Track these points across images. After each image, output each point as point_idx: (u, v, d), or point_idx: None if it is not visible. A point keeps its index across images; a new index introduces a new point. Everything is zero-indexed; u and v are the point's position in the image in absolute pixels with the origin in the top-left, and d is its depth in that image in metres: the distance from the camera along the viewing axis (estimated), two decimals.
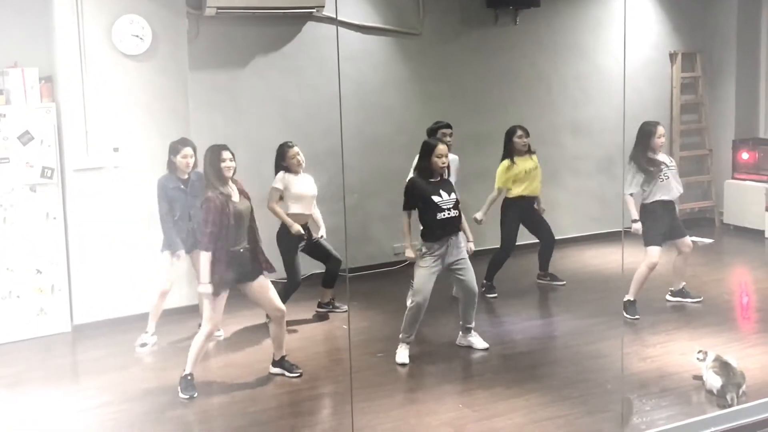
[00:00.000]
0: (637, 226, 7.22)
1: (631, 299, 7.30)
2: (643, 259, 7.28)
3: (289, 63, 8.63)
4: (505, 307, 7.78)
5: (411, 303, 6.52)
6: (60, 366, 6.70)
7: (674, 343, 6.64)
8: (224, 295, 5.87)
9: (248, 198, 6.01)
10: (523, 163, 8.00)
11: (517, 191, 8.01)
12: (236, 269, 5.84)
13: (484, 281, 8.11)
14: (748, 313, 7.71)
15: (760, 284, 8.44)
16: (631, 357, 6.32)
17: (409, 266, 8.86)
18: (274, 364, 6.27)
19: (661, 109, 10.66)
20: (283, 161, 7.23)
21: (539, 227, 8.28)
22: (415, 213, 6.51)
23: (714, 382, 5.56)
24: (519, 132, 8.01)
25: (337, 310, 7.70)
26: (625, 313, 7.23)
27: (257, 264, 5.98)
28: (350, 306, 7.78)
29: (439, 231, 6.38)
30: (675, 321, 7.20)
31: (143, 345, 6.93)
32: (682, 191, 7.47)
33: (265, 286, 6.02)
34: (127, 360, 6.70)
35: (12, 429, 5.50)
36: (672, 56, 10.80)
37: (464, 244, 6.56)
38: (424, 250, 6.41)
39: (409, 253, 6.52)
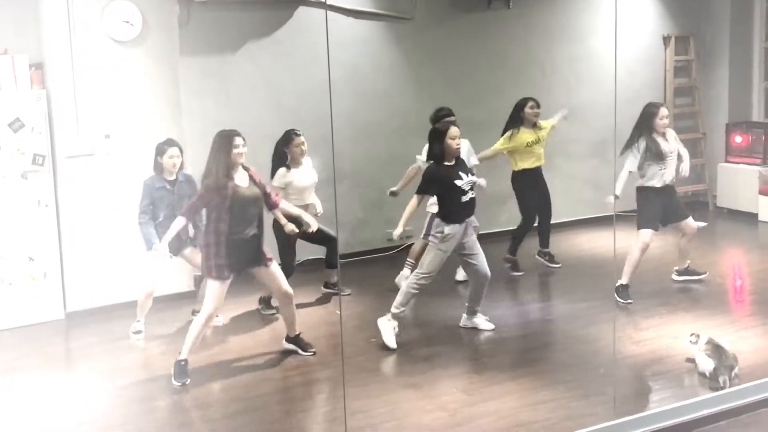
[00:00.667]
0: (611, 200, 7.14)
1: (624, 283, 7.30)
2: (635, 243, 7.29)
3: (281, 48, 8.59)
4: (498, 291, 7.78)
5: (417, 283, 6.51)
6: (53, 353, 6.69)
7: (667, 326, 6.66)
8: (227, 282, 5.90)
9: (260, 185, 6.03)
10: (527, 135, 8.07)
11: (521, 165, 8.15)
12: (244, 255, 5.89)
13: (508, 256, 8.28)
14: (741, 296, 7.73)
15: (754, 267, 8.46)
16: (624, 340, 6.33)
17: (404, 252, 8.88)
18: (288, 339, 6.35)
19: (655, 93, 10.64)
20: (285, 147, 7.20)
21: (542, 201, 8.37)
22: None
23: (706, 364, 5.57)
24: (531, 103, 8.11)
25: (342, 293, 7.71)
26: (617, 297, 7.24)
27: (264, 251, 6.04)
28: (343, 291, 7.77)
29: (463, 213, 6.44)
30: (668, 304, 7.21)
31: (138, 332, 6.92)
32: (686, 174, 7.48)
33: (272, 272, 6.10)
34: (119, 347, 6.69)
35: (5, 416, 5.49)
36: (665, 40, 10.78)
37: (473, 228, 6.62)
38: (446, 231, 6.41)
39: (398, 231, 6.48)
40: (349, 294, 7.73)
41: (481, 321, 6.76)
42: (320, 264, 7.85)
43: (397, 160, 9.12)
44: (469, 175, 6.51)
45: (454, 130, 6.46)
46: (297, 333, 6.35)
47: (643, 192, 7.31)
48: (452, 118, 7.48)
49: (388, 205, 9.19)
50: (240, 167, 5.92)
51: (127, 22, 7.35)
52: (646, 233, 7.25)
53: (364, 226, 9.10)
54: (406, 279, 7.65)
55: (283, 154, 7.22)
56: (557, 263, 8.48)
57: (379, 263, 8.87)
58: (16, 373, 6.20)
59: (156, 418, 5.39)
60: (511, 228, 8.52)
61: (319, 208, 7.37)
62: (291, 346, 6.35)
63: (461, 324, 6.80)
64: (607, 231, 9.54)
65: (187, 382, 5.85)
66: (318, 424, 5.28)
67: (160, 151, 6.81)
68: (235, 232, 5.81)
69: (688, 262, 7.73)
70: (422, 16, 9.26)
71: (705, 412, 5.09)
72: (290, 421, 5.27)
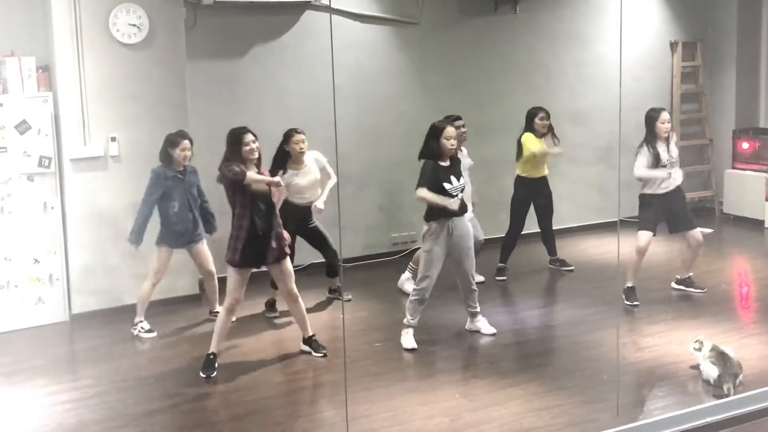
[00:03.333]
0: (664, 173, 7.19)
1: (630, 285, 7.33)
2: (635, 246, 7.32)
3: (288, 53, 8.60)
4: (503, 296, 7.77)
5: (415, 289, 6.57)
6: (58, 355, 6.71)
7: (672, 333, 6.64)
8: (246, 272, 6.08)
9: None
10: (536, 143, 8.10)
11: (522, 172, 8.20)
12: (260, 248, 6.04)
13: (500, 264, 8.29)
14: (746, 303, 7.71)
15: (759, 274, 8.43)
16: (628, 347, 6.32)
17: (407, 256, 8.88)
18: (304, 341, 6.44)
19: (662, 99, 10.61)
20: (286, 145, 7.21)
21: (542, 211, 8.40)
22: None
23: (711, 372, 5.55)
24: (541, 114, 8.17)
25: (341, 299, 7.71)
26: (625, 300, 7.26)
27: (277, 249, 6.12)
28: (346, 296, 7.77)
29: (445, 214, 6.41)
30: (673, 311, 7.19)
31: (149, 330, 6.97)
32: (678, 182, 7.43)
33: (285, 269, 6.21)
34: (124, 349, 6.70)
35: (9, 417, 5.50)
36: (672, 45, 10.76)
37: (470, 229, 6.58)
38: (425, 229, 6.46)
39: (445, 201, 6.38)
40: (349, 299, 7.71)
41: (483, 325, 6.75)
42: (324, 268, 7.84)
43: (401, 164, 9.12)
44: (461, 180, 6.49)
45: (450, 130, 6.44)
46: (311, 335, 6.41)
47: (644, 198, 7.35)
48: (460, 122, 7.49)
49: (393, 209, 9.22)
50: (252, 165, 6.04)
51: (134, 25, 7.38)
52: (643, 235, 7.28)
53: (368, 230, 9.10)
54: (408, 280, 7.68)
55: (285, 152, 7.23)
56: (570, 266, 8.53)
57: (383, 267, 8.86)
58: (21, 374, 6.21)
59: (154, 422, 5.39)
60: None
61: (320, 204, 7.33)
62: (306, 348, 6.41)
63: (466, 327, 6.80)
64: (612, 236, 9.51)
65: (212, 375, 5.98)
66: (320, 429, 5.27)
67: (173, 143, 6.83)
68: (252, 224, 5.96)
69: (691, 273, 7.69)
70: (428, 20, 9.26)
71: (709, 419, 5.08)
72: (291, 425, 5.27)
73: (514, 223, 8.34)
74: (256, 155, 6.07)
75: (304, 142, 7.21)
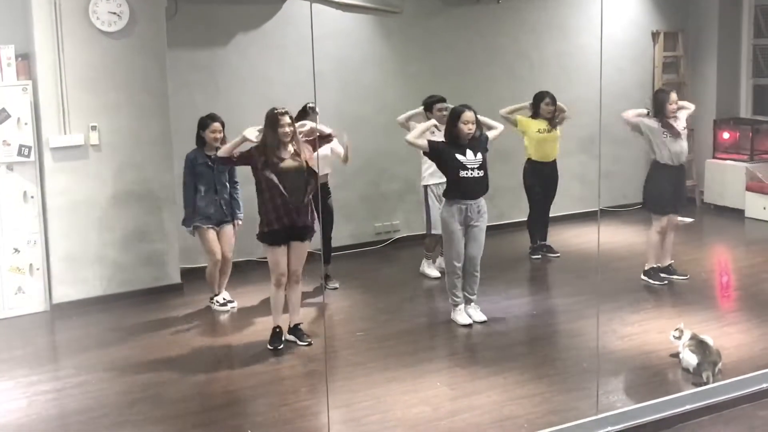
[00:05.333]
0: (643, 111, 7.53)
1: (654, 266, 7.56)
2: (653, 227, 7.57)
3: (270, 41, 8.56)
4: (484, 285, 7.78)
5: (447, 274, 6.76)
6: (38, 345, 6.68)
7: (652, 321, 6.68)
8: (281, 249, 6.18)
9: (306, 162, 6.16)
10: (538, 124, 8.40)
11: (530, 155, 8.46)
12: (289, 225, 6.14)
13: (539, 243, 8.64)
14: (726, 292, 7.76)
15: (739, 263, 8.49)
16: (609, 335, 6.35)
17: (391, 245, 8.91)
18: (289, 331, 6.43)
19: (644, 89, 10.65)
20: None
21: (543, 196, 8.59)
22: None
23: (690, 360, 5.59)
24: (546, 99, 8.46)
25: (328, 287, 7.72)
26: (650, 280, 7.52)
27: (305, 227, 6.25)
28: (333, 284, 7.78)
29: (462, 190, 6.53)
30: (654, 300, 7.24)
31: (222, 303, 7.20)
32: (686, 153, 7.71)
33: (302, 252, 6.31)
34: (105, 339, 6.67)
35: None
36: (654, 35, 10.79)
37: (485, 211, 6.67)
38: (440, 209, 6.78)
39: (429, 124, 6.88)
40: (336, 288, 7.72)
41: (474, 312, 6.78)
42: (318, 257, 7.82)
43: (384, 153, 9.13)
44: (479, 155, 6.54)
45: (468, 115, 6.52)
46: (297, 323, 6.42)
47: (656, 171, 7.53)
48: (443, 105, 7.53)
49: (376, 198, 9.22)
50: (289, 144, 6.13)
51: (114, 13, 7.32)
52: (661, 220, 7.50)
53: (351, 220, 9.09)
54: (428, 267, 7.97)
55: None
56: (556, 253, 8.64)
57: (366, 257, 8.87)
58: (1, 364, 6.17)
59: (135, 412, 5.37)
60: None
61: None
62: (291, 337, 6.40)
63: (462, 307, 6.81)
64: (594, 226, 9.55)
65: (279, 347, 6.24)
66: (301, 418, 5.28)
67: (203, 125, 7.01)
68: (283, 202, 6.07)
69: (671, 261, 7.73)
70: (411, 9, 9.24)
71: (688, 407, 5.12)
72: (273, 414, 5.27)
73: (532, 205, 8.62)
74: (290, 137, 6.14)
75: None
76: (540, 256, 8.57)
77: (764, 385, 5.38)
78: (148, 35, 7.51)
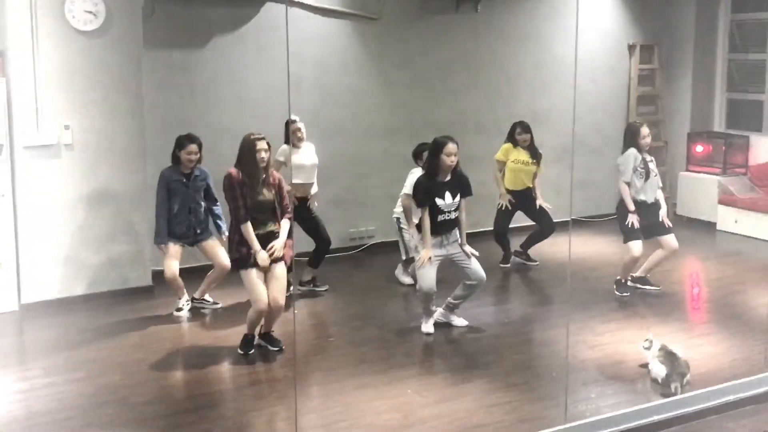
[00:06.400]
0: (635, 219, 7.40)
1: (623, 279, 7.65)
2: (626, 255, 7.55)
3: (248, 44, 8.54)
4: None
5: (417, 292, 6.71)
6: (6, 345, 6.60)
7: (622, 331, 6.71)
8: (252, 270, 6.06)
9: (277, 189, 6.16)
10: (517, 154, 8.47)
11: (507, 184, 8.56)
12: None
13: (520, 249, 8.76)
14: (696, 303, 7.82)
15: (710, 275, 8.56)
16: (579, 345, 6.38)
17: (365, 252, 8.90)
18: (261, 336, 6.37)
19: (619, 101, 10.75)
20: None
21: (538, 218, 8.72)
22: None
23: (659, 371, 5.62)
24: (518, 129, 8.51)
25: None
26: (617, 292, 7.59)
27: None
28: (296, 290, 7.75)
29: (435, 229, 6.51)
30: (625, 310, 7.28)
31: (179, 310, 7.11)
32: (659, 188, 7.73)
33: (280, 275, 6.15)
34: (74, 340, 6.61)
35: None
36: (630, 48, 10.87)
37: (459, 238, 6.67)
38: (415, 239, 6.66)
39: (426, 254, 6.50)
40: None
41: (456, 318, 6.84)
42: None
43: (361, 159, 9.13)
44: (456, 198, 6.52)
45: (451, 147, 6.47)
46: (270, 330, 6.36)
47: (624, 206, 7.50)
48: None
49: (351, 204, 9.20)
50: (262, 170, 6.07)
51: (90, 12, 7.27)
52: (635, 245, 7.46)
53: (326, 225, 9.03)
54: (402, 274, 7.99)
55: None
56: (535, 261, 8.70)
57: (340, 262, 8.84)
58: None
59: (102, 414, 5.32)
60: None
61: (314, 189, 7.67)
62: (262, 342, 6.35)
63: (435, 318, 6.79)
64: (567, 236, 9.59)
65: (251, 352, 6.23)
66: (269, 423, 5.25)
67: (180, 144, 6.96)
68: (255, 228, 6.05)
69: (648, 275, 7.78)
70: (390, 16, 9.25)
71: (656, 417, 5.15)
72: (241, 419, 5.24)
73: (496, 228, 8.68)
74: (265, 164, 6.08)
75: (300, 130, 7.52)
76: (509, 265, 8.63)
77: (731, 397, 5.42)
78: (124, 35, 7.47)
